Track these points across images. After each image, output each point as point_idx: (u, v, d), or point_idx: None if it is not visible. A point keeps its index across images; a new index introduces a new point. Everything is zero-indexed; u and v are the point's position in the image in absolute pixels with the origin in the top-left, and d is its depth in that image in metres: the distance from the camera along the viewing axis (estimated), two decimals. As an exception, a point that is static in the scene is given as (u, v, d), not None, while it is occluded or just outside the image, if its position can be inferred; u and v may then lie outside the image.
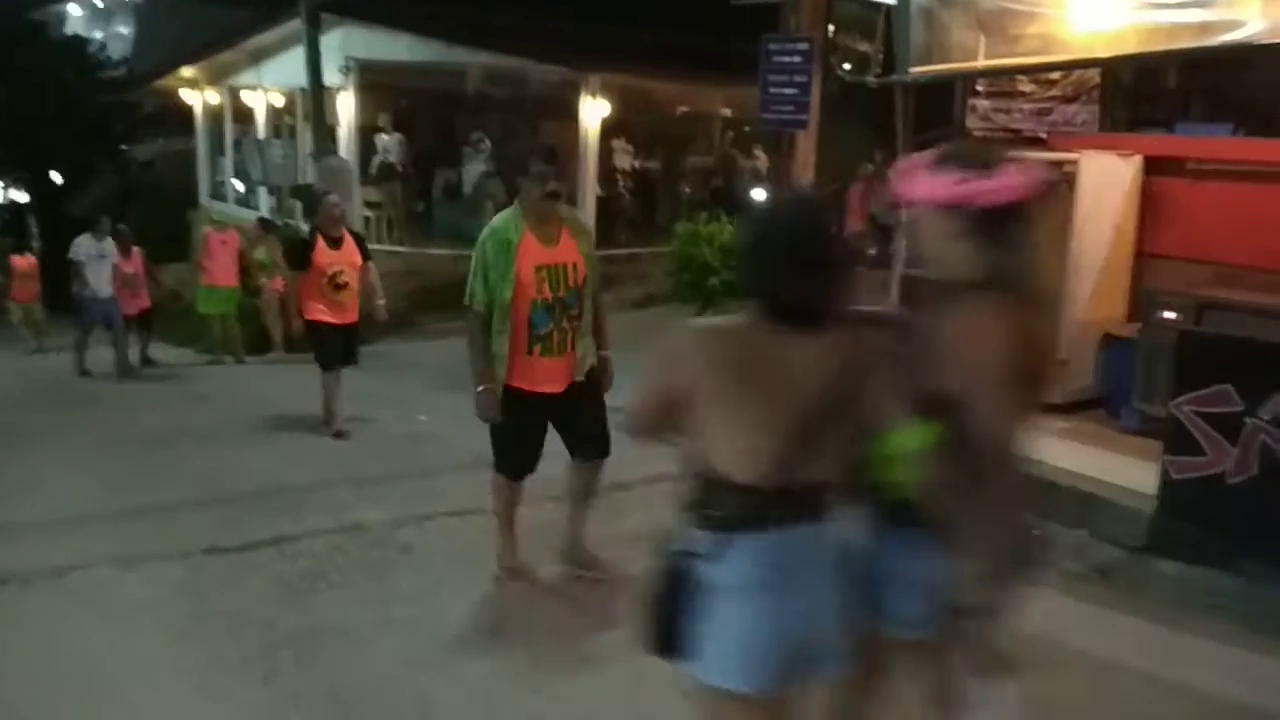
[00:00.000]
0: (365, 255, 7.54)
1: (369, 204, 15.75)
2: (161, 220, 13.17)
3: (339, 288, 7.25)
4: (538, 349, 4.31)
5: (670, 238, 7.48)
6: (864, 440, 2.30)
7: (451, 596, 4.53)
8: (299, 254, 7.34)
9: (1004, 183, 2.16)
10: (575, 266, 4.33)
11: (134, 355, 11.43)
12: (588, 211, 15.43)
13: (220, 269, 11.67)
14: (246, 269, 12.18)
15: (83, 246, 10.98)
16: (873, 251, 9.32)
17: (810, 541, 2.23)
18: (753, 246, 2.31)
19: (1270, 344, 4.92)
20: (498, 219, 4.38)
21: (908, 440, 2.22)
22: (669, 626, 2.30)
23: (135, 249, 11.50)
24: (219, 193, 20.59)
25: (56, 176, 19.52)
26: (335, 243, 7.31)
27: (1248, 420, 4.56)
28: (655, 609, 2.32)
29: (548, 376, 4.37)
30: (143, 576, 4.71)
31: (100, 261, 10.96)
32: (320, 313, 7.25)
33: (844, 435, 2.25)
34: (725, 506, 2.20)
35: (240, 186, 19.63)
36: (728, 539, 2.20)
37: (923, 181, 2.24)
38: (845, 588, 2.29)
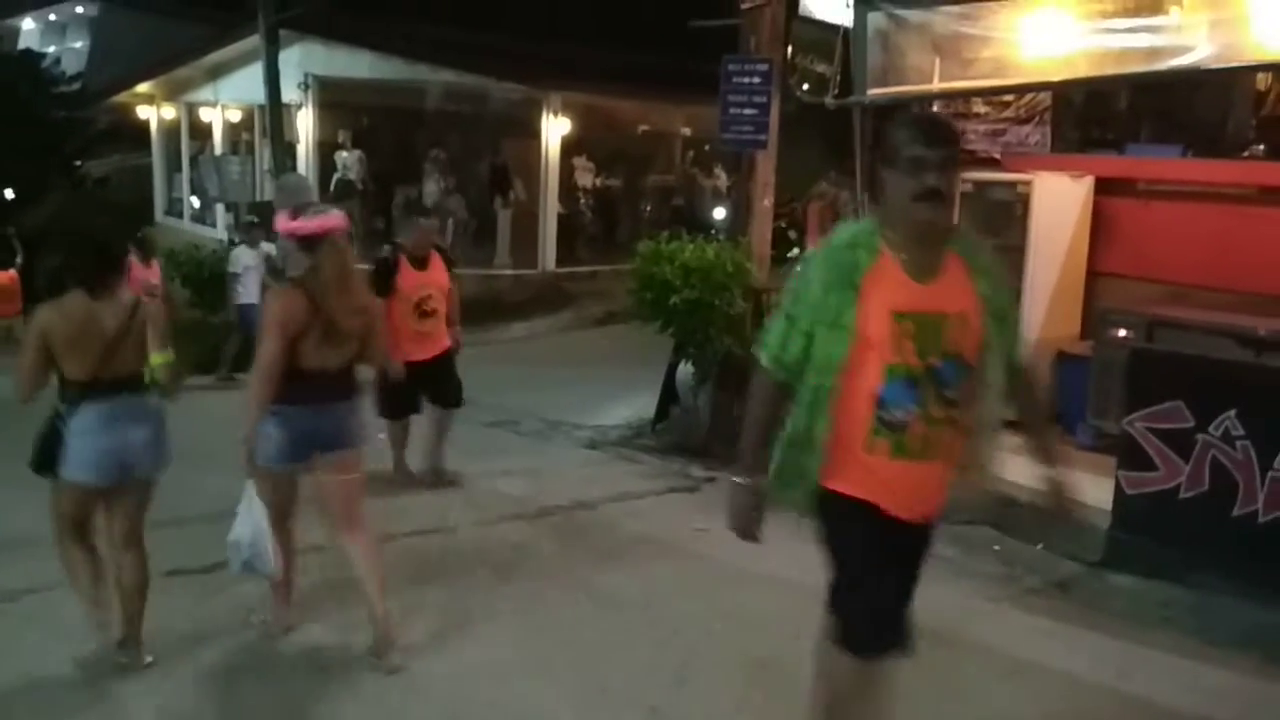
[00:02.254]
0: (453, 276, 6.40)
1: (328, 221, 15.64)
2: (117, 237, 12.95)
3: (425, 315, 6.12)
4: (885, 444, 2.68)
5: (631, 255, 7.47)
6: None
7: (413, 618, 4.50)
8: (381, 278, 5.98)
9: (322, 222, 3.89)
10: (964, 319, 2.68)
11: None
12: (548, 229, 15.48)
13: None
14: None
15: (241, 258, 10.87)
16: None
17: (129, 403, 3.80)
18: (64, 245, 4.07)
19: (1220, 361, 5.04)
20: (843, 230, 2.83)
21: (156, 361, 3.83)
22: (48, 455, 3.78)
23: (155, 259, 11.26)
24: (175, 209, 20.39)
25: (8, 192, 19.22)
26: (420, 263, 6.15)
27: (1199, 436, 4.65)
28: (40, 444, 3.80)
29: (899, 491, 2.73)
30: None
31: (253, 272, 10.78)
32: (402, 350, 5.91)
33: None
34: (71, 390, 3.75)
35: (196, 203, 19.44)
36: (73, 409, 3.75)
37: (282, 221, 4.01)
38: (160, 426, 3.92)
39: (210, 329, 12.13)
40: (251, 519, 3.83)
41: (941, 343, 2.64)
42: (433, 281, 6.17)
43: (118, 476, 3.82)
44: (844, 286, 2.62)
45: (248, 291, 10.64)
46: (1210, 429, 4.62)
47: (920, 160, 2.56)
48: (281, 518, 4.09)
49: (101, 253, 3.85)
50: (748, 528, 2.85)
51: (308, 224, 3.86)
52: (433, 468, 6.42)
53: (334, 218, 3.94)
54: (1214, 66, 5.26)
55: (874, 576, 2.75)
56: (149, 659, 3.97)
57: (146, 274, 11.01)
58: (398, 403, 6.22)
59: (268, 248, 10.57)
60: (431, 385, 6.26)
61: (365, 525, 4.15)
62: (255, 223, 11.70)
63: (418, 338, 6.10)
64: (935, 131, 2.66)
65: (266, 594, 4.33)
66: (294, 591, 4.35)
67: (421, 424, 6.47)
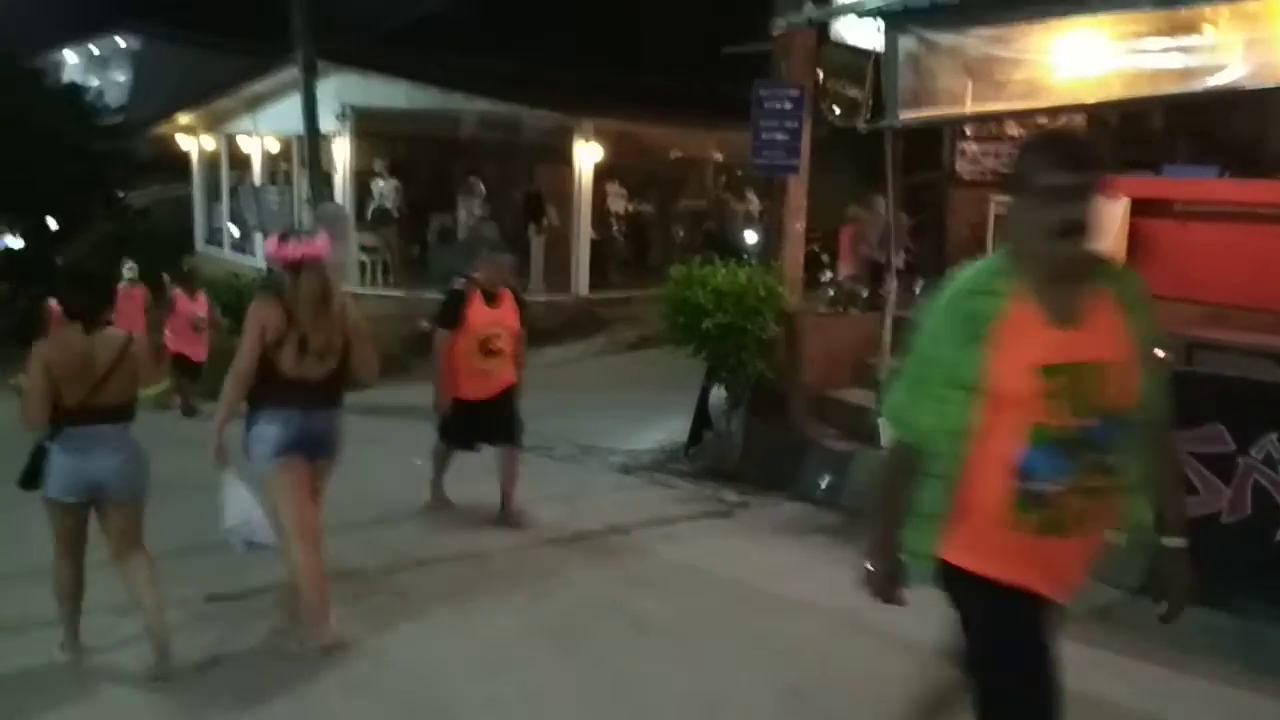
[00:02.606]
0: (523, 319, 6.20)
1: (364, 248, 15.85)
2: (157, 267, 13.15)
3: (490, 354, 5.95)
4: (1030, 521, 2.28)
5: (663, 280, 7.49)
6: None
7: (448, 642, 4.51)
8: (450, 309, 5.99)
9: (308, 248, 4.25)
10: (1119, 367, 2.30)
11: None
12: (581, 255, 15.56)
13: (124, 319, 11.46)
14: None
15: None
16: (865, 294, 9.38)
17: (106, 432, 4.07)
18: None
19: (1261, 383, 4.96)
20: (963, 272, 2.43)
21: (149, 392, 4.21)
22: (34, 473, 4.06)
23: (200, 291, 11.30)
24: (215, 239, 20.69)
25: (52, 223, 19.60)
26: (493, 300, 5.99)
27: (1240, 460, 4.58)
28: (29, 463, 4.07)
29: (1046, 571, 2.36)
30: (139, 625, 4.67)
31: None
32: (463, 388, 5.97)
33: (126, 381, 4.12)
34: (60, 415, 4.02)
35: (236, 232, 19.72)
36: (57, 431, 4.02)
37: (270, 245, 4.34)
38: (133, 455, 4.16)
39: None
40: (238, 502, 4.14)
41: (1096, 398, 2.24)
42: (502, 321, 6.01)
43: (89, 497, 4.10)
44: (969, 340, 2.25)
45: None
46: (1252, 451, 4.55)
47: (1060, 189, 2.20)
48: (300, 510, 4.27)
49: (94, 290, 4.24)
50: (890, 596, 2.53)
51: (295, 250, 4.23)
52: (505, 510, 6.19)
53: (318, 244, 4.28)
54: (1250, 86, 5.21)
55: (1032, 665, 2.35)
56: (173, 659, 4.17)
57: (192, 307, 11.15)
58: (453, 434, 6.17)
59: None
60: (490, 424, 6.10)
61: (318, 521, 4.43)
62: None
63: (479, 376, 5.95)
64: (1076, 153, 2.27)
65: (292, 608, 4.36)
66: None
67: (472, 457, 6.35)
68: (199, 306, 11.14)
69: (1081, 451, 2.24)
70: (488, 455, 6.14)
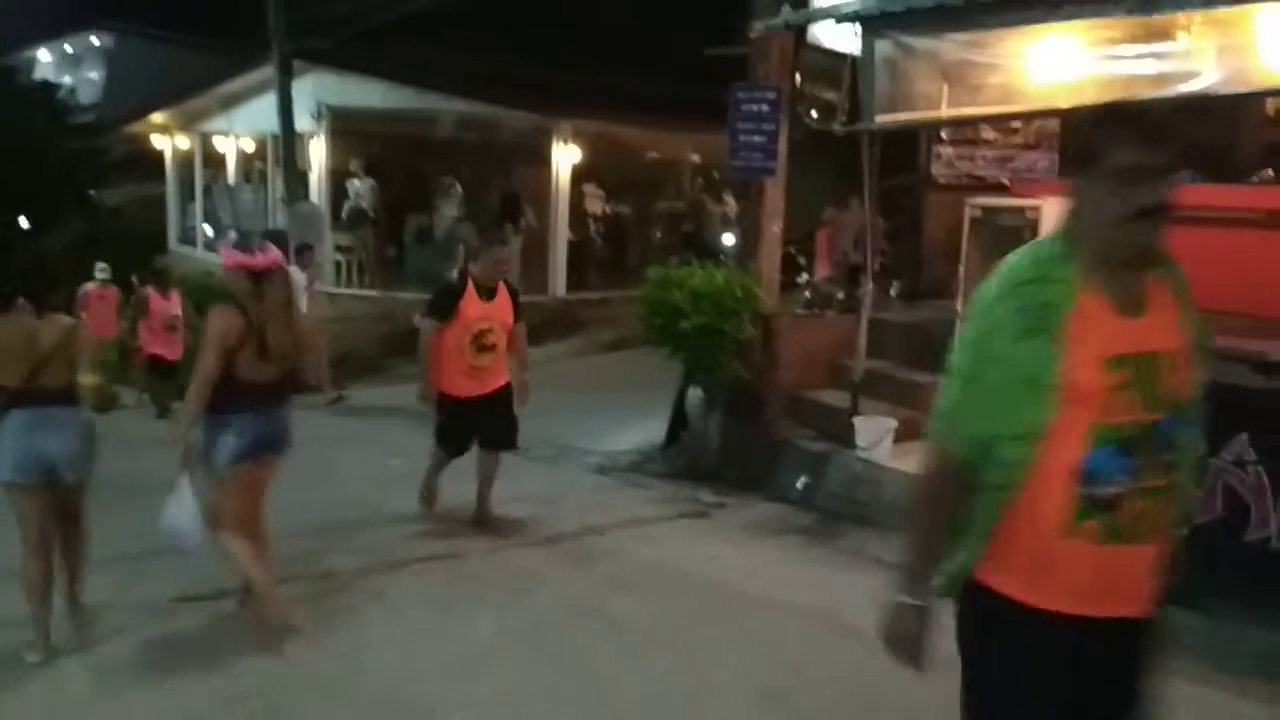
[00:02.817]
0: (519, 315, 6.05)
1: (339, 248, 15.75)
2: (130, 266, 13.01)
3: (483, 349, 5.80)
4: (1091, 528, 2.04)
5: (641, 282, 7.49)
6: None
7: (424, 644, 4.49)
8: (444, 300, 5.86)
9: (268, 258, 4.42)
10: (1177, 358, 2.13)
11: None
12: (559, 256, 15.54)
13: (96, 320, 11.40)
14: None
15: (294, 279, 10.64)
16: (840, 295, 9.42)
17: (53, 413, 4.23)
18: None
19: (1233, 386, 5.00)
20: (1018, 258, 2.17)
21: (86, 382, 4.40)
22: None
23: (174, 290, 11.11)
24: (189, 238, 20.52)
25: (24, 222, 19.39)
26: (488, 294, 5.85)
27: (1211, 461, 4.62)
28: None
29: (1108, 583, 2.09)
30: (110, 627, 4.63)
31: (303, 294, 10.48)
32: (454, 384, 5.85)
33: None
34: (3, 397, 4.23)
35: (210, 231, 19.58)
36: (6, 412, 4.20)
37: (229, 254, 4.45)
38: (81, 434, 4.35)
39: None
40: (183, 506, 4.29)
41: (1164, 390, 2.07)
42: (496, 315, 5.85)
43: (39, 477, 4.23)
44: (1036, 332, 2.01)
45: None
46: (1223, 454, 4.60)
47: (1138, 169, 1.98)
48: (244, 509, 4.44)
49: (44, 274, 4.55)
50: (911, 654, 2.20)
51: (258, 260, 4.43)
52: (479, 511, 6.13)
53: (276, 254, 4.52)
54: (1222, 92, 5.27)
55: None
56: (85, 620, 4.44)
57: (165, 306, 11.02)
58: (449, 438, 6.02)
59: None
60: (484, 424, 5.97)
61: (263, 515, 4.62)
62: (309, 246, 11.67)
63: (473, 372, 5.82)
64: (1156, 128, 2.05)
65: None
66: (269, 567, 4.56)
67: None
68: (173, 305, 11.02)
69: (1146, 449, 2.05)
70: (470, 457, 6.10)
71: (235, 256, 4.43)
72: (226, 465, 4.32)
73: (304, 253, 11.25)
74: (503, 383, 5.99)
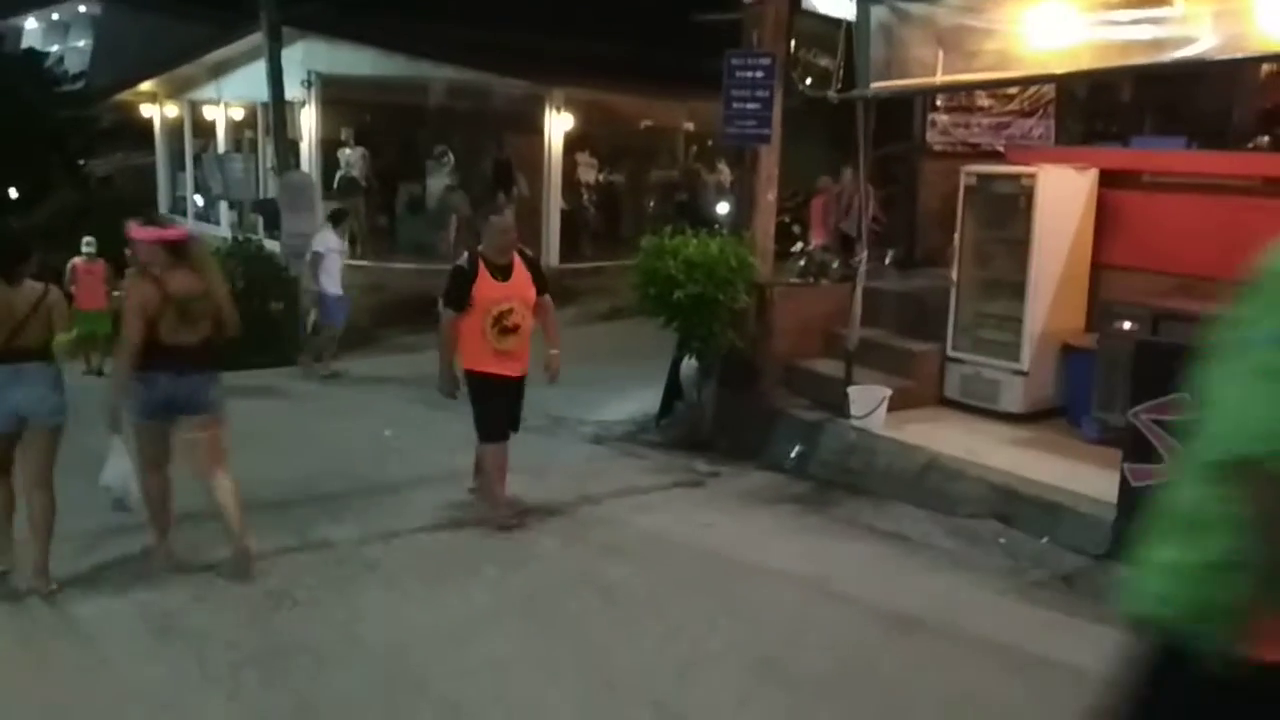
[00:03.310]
0: (542, 286, 5.65)
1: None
2: (120, 235, 12.95)
3: (506, 331, 5.42)
4: None
5: (635, 251, 7.47)
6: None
7: (419, 614, 4.51)
8: (457, 288, 5.45)
9: (174, 231, 5.06)
10: None
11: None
12: (552, 225, 15.48)
13: (86, 294, 11.45)
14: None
15: (326, 240, 10.74)
16: (835, 264, 9.41)
17: (27, 369, 4.60)
18: None
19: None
20: None
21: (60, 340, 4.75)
22: None
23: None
24: (179, 207, 20.41)
25: (13, 191, 19.25)
26: (503, 272, 5.46)
27: (1204, 428, 4.63)
28: None
29: None
30: (106, 597, 4.64)
31: (335, 256, 10.71)
32: (483, 362, 5.48)
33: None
34: None
35: (200, 201, 19.47)
36: None
37: (140, 231, 4.93)
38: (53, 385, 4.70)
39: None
40: (119, 466, 4.65)
41: None
42: (515, 293, 5.46)
43: (15, 425, 4.66)
44: None
45: (330, 278, 10.55)
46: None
47: None
48: (155, 466, 4.85)
49: (12, 247, 4.83)
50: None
51: (170, 233, 5.01)
52: (476, 479, 5.98)
53: (185, 228, 5.20)
54: (1218, 58, 5.23)
55: None
56: (54, 586, 4.63)
57: None
58: (491, 421, 5.58)
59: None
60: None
61: (226, 467, 4.88)
62: (344, 211, 11.79)
63: (499, 357, 5.46)
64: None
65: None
66: (173, 522, 5.00)
67: (451, 428, 6.09)
68: None
69: None
70: (465, 427, 6.04)
71: (149, 232, 4.94)
72: (132, 418, 4.76)
73: (340, 219, 11.47)
74: (526, 369, 5.69)
